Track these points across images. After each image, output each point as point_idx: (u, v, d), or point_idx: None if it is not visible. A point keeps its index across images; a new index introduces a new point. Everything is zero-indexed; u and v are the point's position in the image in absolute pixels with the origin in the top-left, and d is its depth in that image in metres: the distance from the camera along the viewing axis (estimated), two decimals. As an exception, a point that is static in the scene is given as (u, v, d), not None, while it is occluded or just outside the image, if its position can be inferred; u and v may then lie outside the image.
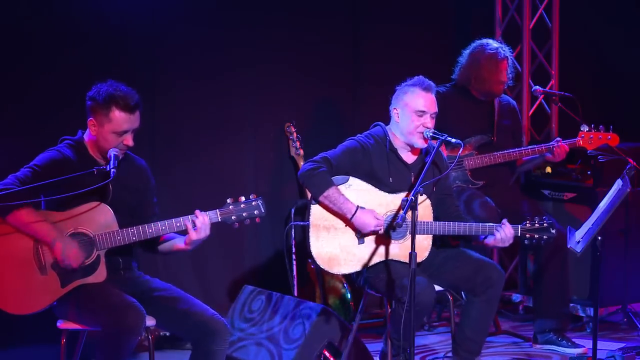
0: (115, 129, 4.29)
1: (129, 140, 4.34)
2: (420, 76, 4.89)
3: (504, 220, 4.79)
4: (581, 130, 5.78)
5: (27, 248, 4.24)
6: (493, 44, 5.87)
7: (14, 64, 5.48)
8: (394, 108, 4.90)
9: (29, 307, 4.25)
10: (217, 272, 6.19)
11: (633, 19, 7.25)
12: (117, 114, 4.28)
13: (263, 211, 4.37)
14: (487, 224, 4.82)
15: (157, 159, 5.58)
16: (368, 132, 4.98)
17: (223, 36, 6.13)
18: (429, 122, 4.81)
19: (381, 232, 4.77)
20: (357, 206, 4.74)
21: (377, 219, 4.74)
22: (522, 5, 6.92)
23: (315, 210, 4.80)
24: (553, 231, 4.82)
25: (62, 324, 4.34)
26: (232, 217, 4.35)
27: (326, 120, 6.52)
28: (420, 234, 4.67)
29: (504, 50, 5.84)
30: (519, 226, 4.81)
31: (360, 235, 4.80)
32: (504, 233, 4.75)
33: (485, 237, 4.82)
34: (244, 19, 6.20)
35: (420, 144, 4.86)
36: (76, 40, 5.62)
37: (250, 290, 5.60)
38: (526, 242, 4.82)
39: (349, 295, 5.96)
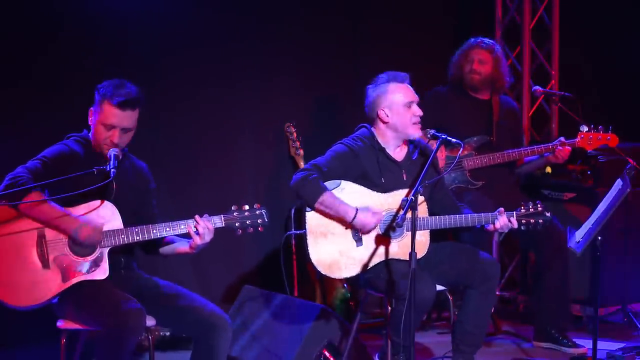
0: (103, 121, 4.37)
1: (114, 136, 4.37)
2: (388, 72, 4.91)
3: (500, 209, 4.80)
4: (580, 131, 5.78)
5: (30, 242, 4.25)
6: (473, 38, 5.87)
7: (13, 65, 5.49)
8: (380, 110, 4.86)
9: (29, 300, 4.24)
10: (217, 272, 6.20)
11: (633, 19, 7.25)
12: (107, 107, 4.36)
13: (266, 221, 4.42)
14: (482, 214, 4.82)
15: (158, 160, 5.57)
16: (354, 134, 4.96)
17: (223, 37, 6.14)
18: (417, 110, 4.85)
19: (380, 232, 4.77)
20: (357, 208, 4.74)
21: (375, 213, 4.74)
22: (522, 5, 6.93)
23: (310, 217, 4.78)
24: (548, 214, 4.83)
25: (62, 324, 4.34)
26: (236, 224, 4.39)
27: (326, 120, 6.52)
28: (417, 229, 4.66)
29: (477, 40, 5.83)
30: (514, 212, 4.82)
31: (358, 237, 4.80)
32: (501, 222, 4.76)
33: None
34: (244, 20, 6.20)
35: (417, 134, 4.87)
36: (76, 41, 5.63)
37: (250, 291, 5.61)
38: (523, 227, 4.82)
39: (348, 295, 5.96)
